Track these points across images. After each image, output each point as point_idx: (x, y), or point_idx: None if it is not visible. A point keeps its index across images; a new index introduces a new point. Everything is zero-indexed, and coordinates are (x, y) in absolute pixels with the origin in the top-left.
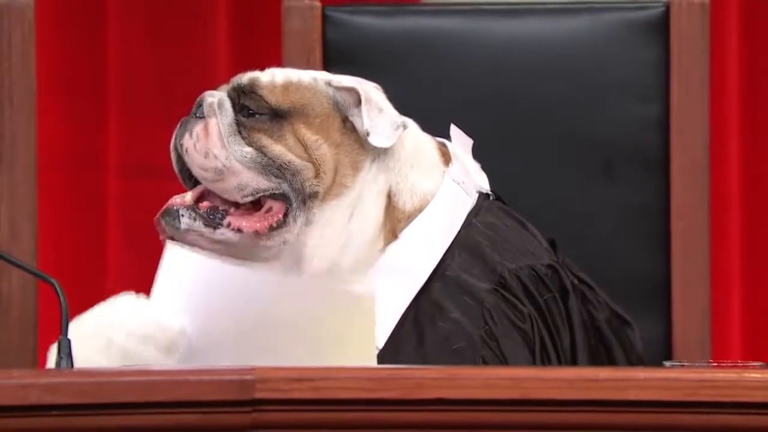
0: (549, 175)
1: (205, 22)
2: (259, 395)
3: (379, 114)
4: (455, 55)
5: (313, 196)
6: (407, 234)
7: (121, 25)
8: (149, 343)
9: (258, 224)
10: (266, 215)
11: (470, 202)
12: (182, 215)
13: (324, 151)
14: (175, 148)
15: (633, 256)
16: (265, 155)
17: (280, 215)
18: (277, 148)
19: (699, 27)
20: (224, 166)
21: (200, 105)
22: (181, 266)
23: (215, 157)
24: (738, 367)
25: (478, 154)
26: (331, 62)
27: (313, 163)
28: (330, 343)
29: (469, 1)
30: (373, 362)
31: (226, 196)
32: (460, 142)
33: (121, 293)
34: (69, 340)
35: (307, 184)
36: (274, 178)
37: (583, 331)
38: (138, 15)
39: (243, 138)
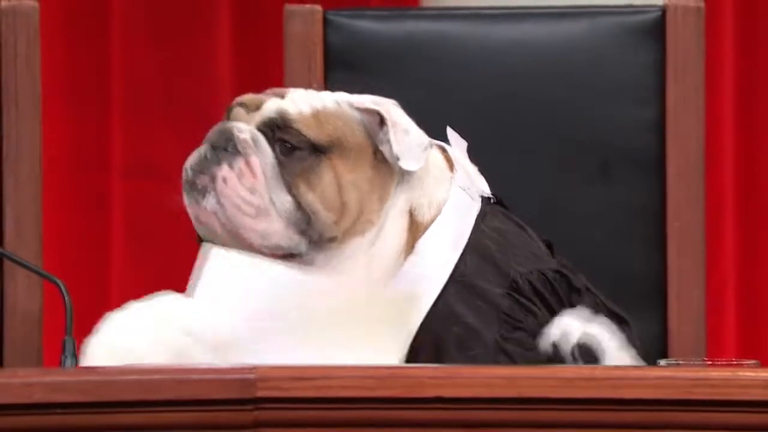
0: (546, 177)
1: (208, 25)
2: (260, 393)
3: (405, 136)
4: (455, 58)
5: (331, 240)
6: (423, 244)
7: (125, 29)
8: (200, 342)
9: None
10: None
11: (476, 207)
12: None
13: (353, 195)
14: (194, 170)
15: (629, 256)
16: (299, 205)
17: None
18: (309, 197)
19: (694, 31)
20: (265, 207)
21: (229, 139)
22: (224, 265)
23: (261, 196)
24: (732, 366)
25: (477, 156)
26: (332, 66)
27: (340, 208)
28: (370, 340)
29: (469, 5)
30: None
31: (245, 235)
32: (457, 144)
33: (160, 292)
34: (74, 340)
35: (325, 231)
36: (295, 236)
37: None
38: (141, 19)
39: (284, 180)
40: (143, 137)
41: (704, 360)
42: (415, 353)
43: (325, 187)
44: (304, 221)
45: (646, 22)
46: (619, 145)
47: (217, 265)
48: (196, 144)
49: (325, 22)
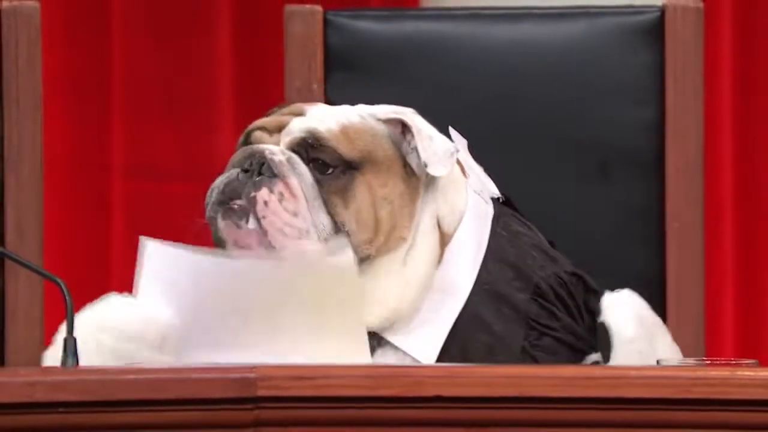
0: (546, 177)
1: (208, 26)
2: (261, 393)
3: (431, 142)
4: (454, 58)
5: (364, 259)
6: (449, 252)
7: (126, 30)
8: (139, 342)
9: None
10: None
11: (490, 210)
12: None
13: (386, 211)
14: (222, 192)
15: (629, 256)
16: (335, 225)
17: None
18: (345, 215)
19: (693, 31)
20: (307, 230)
21: (262, 162)
22: (162, 259)
23: (304, 219)
24: (731, 365)
25: (478, 156)
26: (332, 66)
27: (373, 225)
28: (318, 321)
29: (469, 5)
30: (362, 338)
31: (286, 255)
32: (460, 144)
33: (107, 294)
34: (75, 339)
35: (359, 250)
36: None
37: None
38: (142, 20)
39: (322, 199)
40: (144, 137)
41: (703, 359)
42: (442, 361)
43: (360, 204)
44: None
45: (646, 22)
46: (619, 145)
47: (155, 259)
48: (197, 144)
49: (326, 22)
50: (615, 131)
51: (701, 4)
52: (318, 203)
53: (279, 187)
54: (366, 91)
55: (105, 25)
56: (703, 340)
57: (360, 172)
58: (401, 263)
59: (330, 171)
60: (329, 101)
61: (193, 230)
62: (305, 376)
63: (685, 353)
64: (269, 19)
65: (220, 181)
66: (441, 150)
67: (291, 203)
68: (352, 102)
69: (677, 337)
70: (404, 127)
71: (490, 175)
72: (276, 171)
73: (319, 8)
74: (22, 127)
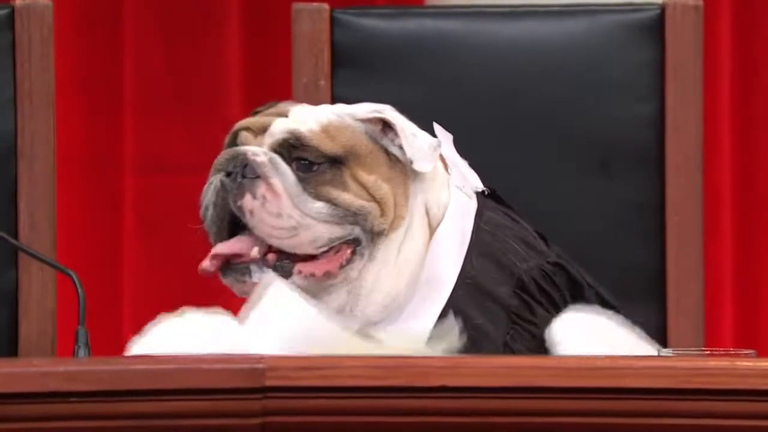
0: (548, 172)
1: (218, 23)
2: (269, 383)
3: (414, 139)
4: (458, 55)
5: (380, 233)
6: (433, 247)
7: (137, 27)
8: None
9: (329, 265)
10: (335, 256)
11: (473, 205)
12: (253, 271)
13: (384, 190)
14: (216, 206)
15: (629, 250)
16: (337, 206)
17: (348, 253)
18: (346, 197)
19: (693, 29)
20: (299, 223)
21: (245, 164)
22: (282, 303)
23: (289, 216)
24: (730, 356)
25: (480, 151)
26: (339, 63)
27: (378, 203)
28: None
29: (473, 3)
30: None
31: (297, 251)
32: (444, 139)
33: (213, 308)
34: (86, 330)
35: (375, 223)
36: (348, 226)
37: None
38: (153, 18)
39: (310, 193)
40: (155, 134)
41: (703, 350)
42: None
43: (355, 189)
44: (351, 215)
45: (646, 20)
46: (619, 141)
47: (274, 297)
48: (207, 140)
49: (332, 20)
50: (615, 127)
51: (701, 2)
52: (304, 197)
53: (261, 189)
54: (372, 88)
55: (116, 22)
56: (703, 332)
57: (346, 165)
58: (399, 242)
59: (315, 168)
60: (336, 98)
61: (193, 238)
62: (313, 367)
63: (685, 345)
64: (277, 17)
65: (209, 196)
66: (425, 145)
67: (273, 205)
68: (358, 98)
69: (677, 329)
70: (385, 125)
71: (489, 171)
72: (259, 172)
73: (326, 6)
74: (35, 123)
